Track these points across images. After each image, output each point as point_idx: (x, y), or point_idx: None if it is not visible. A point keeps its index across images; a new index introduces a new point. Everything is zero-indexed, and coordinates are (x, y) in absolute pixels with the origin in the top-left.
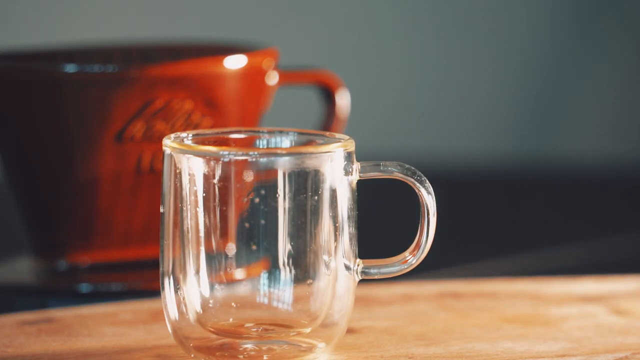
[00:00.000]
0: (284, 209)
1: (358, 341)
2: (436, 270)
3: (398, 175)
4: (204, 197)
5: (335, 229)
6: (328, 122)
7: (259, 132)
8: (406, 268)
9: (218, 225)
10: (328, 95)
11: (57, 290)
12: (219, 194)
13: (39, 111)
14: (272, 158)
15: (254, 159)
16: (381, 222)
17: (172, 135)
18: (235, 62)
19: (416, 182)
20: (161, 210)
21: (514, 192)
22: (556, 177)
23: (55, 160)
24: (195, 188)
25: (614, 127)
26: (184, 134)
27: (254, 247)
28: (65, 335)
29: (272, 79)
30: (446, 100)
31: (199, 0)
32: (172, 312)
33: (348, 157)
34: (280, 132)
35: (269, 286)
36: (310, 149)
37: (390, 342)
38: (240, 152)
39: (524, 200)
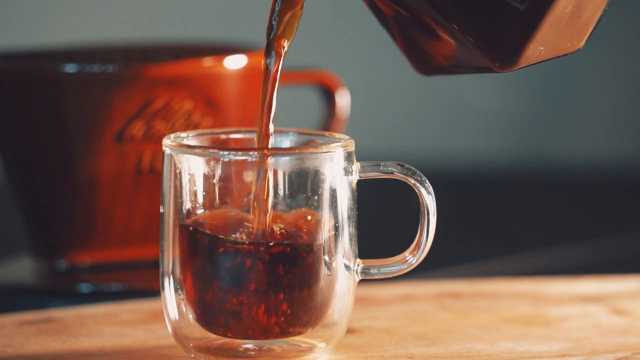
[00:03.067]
0: (284, 209)
1: (358, 341)
2: (436, 270)
3: (398, 175)
4: (203, 197)
5: (335, 229)
6: (328, 122)
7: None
8: (406, 268)
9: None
10: (328, 95)
11: (57, 290)
12: (219, 194)
13: (39, 111)
14: (272, 158)
15: (254, 159)
16: (381, 222)
17: (172, 135)
18: (235, 62)
19: (416, 182)
20: (161, 210)
21: (514, 192)
22: (556, 177)
23: (55, 160)
24: (195, 188)
25: (614, 127)
26: (184, 134)
27: None
28: (65, 335)
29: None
30: (446, 100)
31: (198, 0)
32: (172, 312)
33: (348, 157)
34: (280, 132)
35: None
36: (310, 149)
37: (390, 342)
38: (240, 152)
39: (523, 200)
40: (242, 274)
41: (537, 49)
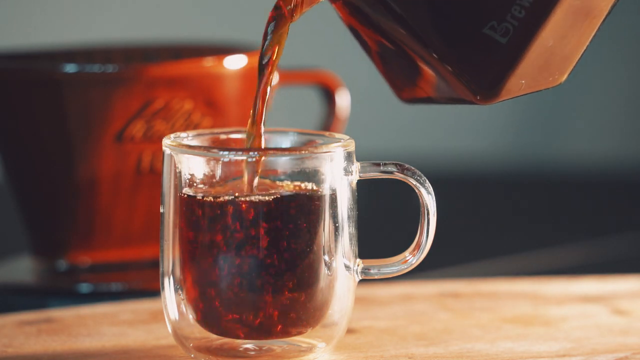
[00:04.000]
0: None
1: (358, 341)
2: (436, 270)
3: (398, 175)
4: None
5: (335, 229)
6: (328, 122)
7: None
8: (406, 268)
9: None
10: (328, 95)
11: (57, 290)
12: None
13: (39, 111)
14: (272, 158)
15: (253, 159)
16: (381, 222)
17: (172, 135)
18: (235, 62)
19: (416, 183)
20: (161, 210)
21: (514, 192)
22: (556, 177)
23: (55, 160)
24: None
25: (614, 127)
26: (184, 134)
27: None
28: (65, 335)
29: (272, 79)
30: None
31: (198, 0)
32: (172, 312)
33: (348, 157)
34: (280, 132)
35: None
36: (310, 149)
37: (390, 342)
38: (240, 152)
39: (524, 200)
40: (239, 235)
41: (519, 82)
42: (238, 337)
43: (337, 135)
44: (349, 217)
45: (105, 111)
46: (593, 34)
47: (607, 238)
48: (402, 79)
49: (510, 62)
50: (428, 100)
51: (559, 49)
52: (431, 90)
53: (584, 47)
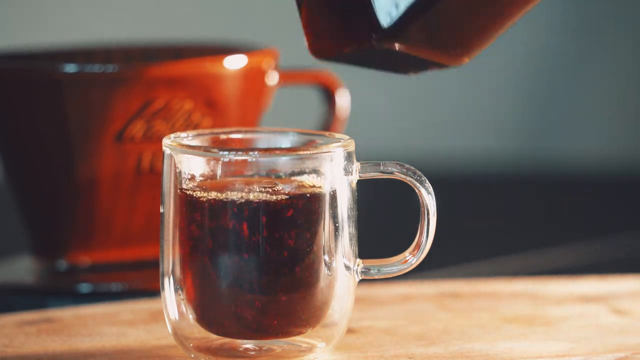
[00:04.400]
0: None
1: (358, 341)
2: (436, 270)
3: (398, 175)
4: None
5: (335, 229)
6: (328, 122)
7: (259, 132)
8: (406, 268)
9: None
10: (328, 95)
11: (57, 290)
12: None
13: (39, 111)
14: (272, 158)
15: (254, 159)
16: (381, 222)
17: (172, 135)
18: (235, 62)
19: (416, 182)
20: (161, 210)
21: (514, 192)
22: (556, 177)
23: (55, 160)
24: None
25: (614, 127)
26: (184, 134)
27: None
28: (65, 335)
29: (272, 79)
30: (446, 100)
31: (199, 0)
32: (172, 312)
33: (348, 157)
34: (280, 132)
35: None
36: (310, 149)
37: (390, 342)
38: (240, 152)
39: (524, 200)
40: (240, 234)
41: (422, 33)
42: (238, 337)
43: (337, 135)
44: (349, 217)
45: (105, 111)
46: (506, 24)
47: (607, 238)
48: (314, 21)
49: (419, 4)
50: (339, 56)
51: (466, 19)
52: (338, 32)
53: (493, 34)
